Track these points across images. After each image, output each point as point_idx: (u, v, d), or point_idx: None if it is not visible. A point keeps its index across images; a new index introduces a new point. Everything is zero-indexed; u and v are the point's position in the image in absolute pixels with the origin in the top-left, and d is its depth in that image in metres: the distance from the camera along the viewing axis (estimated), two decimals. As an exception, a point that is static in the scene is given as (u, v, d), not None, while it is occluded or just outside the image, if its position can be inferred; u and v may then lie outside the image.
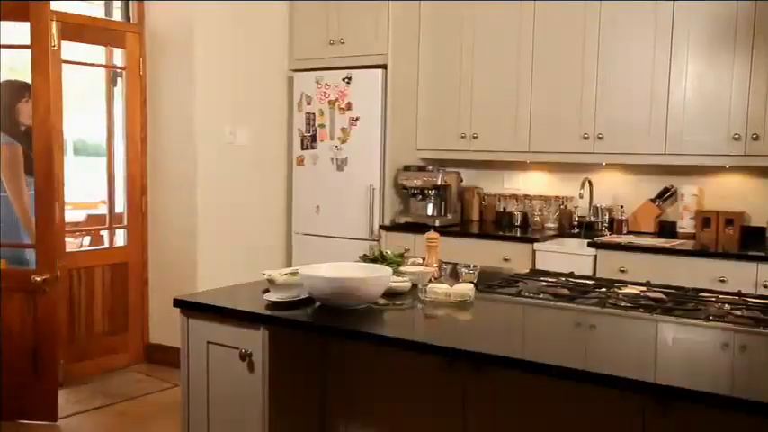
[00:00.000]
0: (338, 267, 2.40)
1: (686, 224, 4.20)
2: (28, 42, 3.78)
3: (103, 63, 4.63)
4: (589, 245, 4.05)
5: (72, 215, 4.09)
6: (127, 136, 4.65)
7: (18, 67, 4.49)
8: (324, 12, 4.88)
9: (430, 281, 2.53)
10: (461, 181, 4.89)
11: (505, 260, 4.19)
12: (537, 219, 4.65)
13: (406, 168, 4.75)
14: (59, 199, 4.19)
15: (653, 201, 4.35)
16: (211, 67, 4.61)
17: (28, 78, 3.79)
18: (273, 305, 2.28)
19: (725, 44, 3.85)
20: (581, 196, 4.37)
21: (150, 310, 4.81)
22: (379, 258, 2.71)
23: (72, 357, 4.41)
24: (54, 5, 4.25)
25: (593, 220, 4.46)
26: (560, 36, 4.31)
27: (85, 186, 5.56)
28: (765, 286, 3.50)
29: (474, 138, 4.65)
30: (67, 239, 4.51)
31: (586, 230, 4.39)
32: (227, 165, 4.74)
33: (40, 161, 3.79)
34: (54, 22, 4.20)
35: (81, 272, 4.52)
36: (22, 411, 3.83)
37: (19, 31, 4.08)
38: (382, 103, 4.66)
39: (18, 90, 3.83)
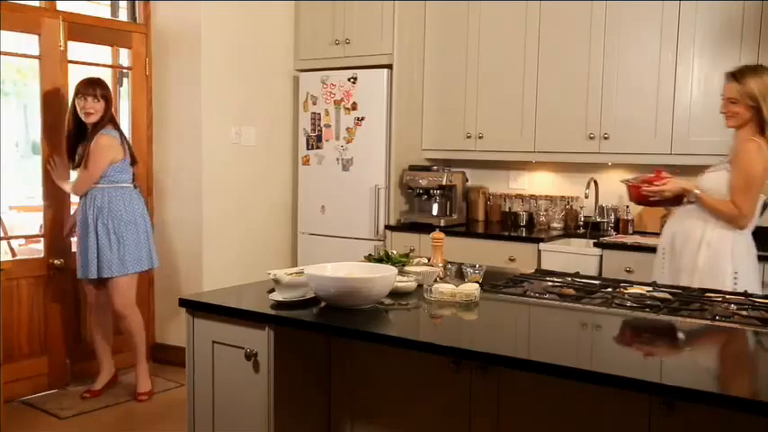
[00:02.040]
0: (343, 267, 2.40)
1: (692, 224, 4.18)
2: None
3: (110, 63, 4.64)
4: (595, 245, 4.04)
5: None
6: (133, 136, 4.66)
7: (24, 68, 4.51)
8: (329, 12, 4.88)
9: (435, 281, 2.53)
10: (467, 181, 4.89)
11: (511, 260, 4.19)
12: (542, 219, 4.65)
13: (412, 168, 4.75)
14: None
15: (659, 201, 4.33)
16: (217, 68, 4.61)
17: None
18: (279, 305, 2.29)
19: (731, 44, 3.84)
20: (587, 196, 4.36)
21: (156, 310, 4.82)
22: (385, 258, 2.71)
23: (79, 357, 4.42)
24: (60, 6, 4.28)
25: (598, 219, 4.46)
26: (566, 36, 4.30)
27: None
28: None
29: (479, 137, 4.65)
30: (73, 239, 4.52)
31: (592, 230, 4.38)
32: (232, 165, 4.74)
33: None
34: (61, 23, 4.22)
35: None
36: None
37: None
38: (388, 103, 4.66)
39: (81, 86, 3.94)
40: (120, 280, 3.98)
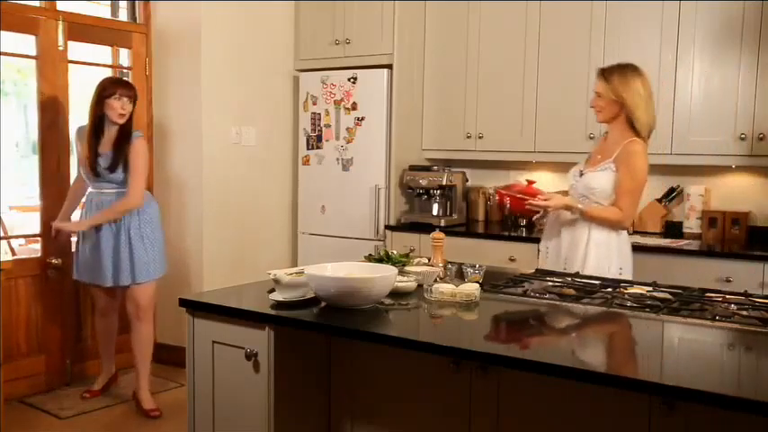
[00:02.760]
0: (343, 267, 2.40)
1: (692, 224, 4.19)
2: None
3: (110, 63, 4.64)
4: (595, 245, 4.03)
5: (75, 215, 4.10)
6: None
7: (24, 68, 4.51)
8: (330, 12, 4.89)
9: (435, 281, 2.53)
10: (467, 181, 4.89)
11: (511, 260, 4.19)
12: (543, 219, 4.64)
13: (412, 168, 4.75)
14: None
15: (659, 201, 4.34)
16: (217, 67, 4.61)
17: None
18: (279, 305, 2.29)
19: (731, 44, 3.84)
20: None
21: (156, 310, 4.81)
22: (385, 258, 2.71)
23: (79, 357, 4.42)
24: (60, 5, 4.28)
25: (598, 219, 4.45)
26: (566, 36, 4.30)
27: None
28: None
29: (479, 137, 4.65)
30: (72, 239, 4.52)
31: (592, 230, 4.37)
32: (232, 165, 4.75)
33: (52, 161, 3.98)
34: (60, 23, 4.22)
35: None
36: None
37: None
38: (388, 103, 4.66)
39: (110, 85, 3.77)
40: (148, 284, 3.88)
